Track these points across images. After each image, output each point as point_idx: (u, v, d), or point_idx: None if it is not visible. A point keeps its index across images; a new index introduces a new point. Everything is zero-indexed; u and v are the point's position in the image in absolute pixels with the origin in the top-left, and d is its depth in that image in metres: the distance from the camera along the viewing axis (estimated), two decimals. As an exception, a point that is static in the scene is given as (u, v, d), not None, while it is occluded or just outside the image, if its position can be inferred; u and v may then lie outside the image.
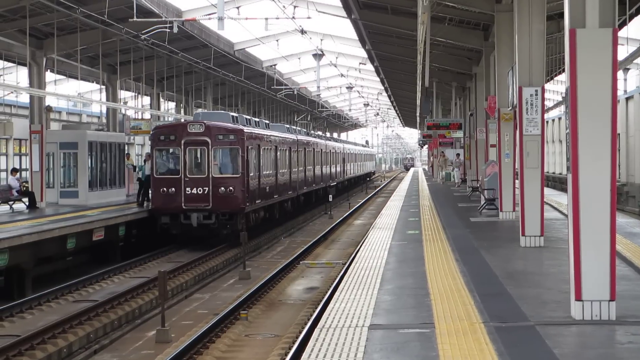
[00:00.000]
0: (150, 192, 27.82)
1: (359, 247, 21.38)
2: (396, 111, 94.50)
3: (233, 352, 14.38)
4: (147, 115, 41.30)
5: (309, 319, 15.82)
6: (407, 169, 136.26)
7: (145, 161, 30.18)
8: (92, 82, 43.14)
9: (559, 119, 57.91)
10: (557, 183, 53.39)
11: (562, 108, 56.10)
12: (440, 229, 19.60)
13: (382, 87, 65.44)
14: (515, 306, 10.20)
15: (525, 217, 15.72)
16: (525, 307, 10.08)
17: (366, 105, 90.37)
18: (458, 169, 44.20)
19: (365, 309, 10.21)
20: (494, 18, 22.33)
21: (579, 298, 9.35)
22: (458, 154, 45.36)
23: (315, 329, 9.31)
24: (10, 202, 27.14)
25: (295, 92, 60.59)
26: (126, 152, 34.28)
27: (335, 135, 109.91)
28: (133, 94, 46.43)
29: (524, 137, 15.39)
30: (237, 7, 32.94)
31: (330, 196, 44.21)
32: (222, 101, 56.29)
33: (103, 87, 38.18)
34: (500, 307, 10.18)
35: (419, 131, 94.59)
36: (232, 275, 23.01)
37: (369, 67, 53.50)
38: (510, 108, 20.15)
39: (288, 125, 42.62)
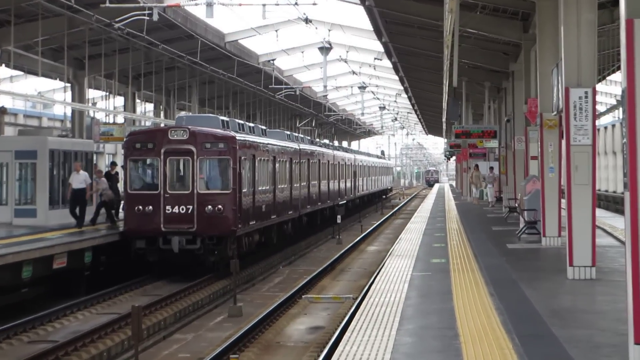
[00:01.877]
0: (78, 210, 27.58)
1: (373, 278, 21.33)
2: (418, 116, 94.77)
3: (221, 404, 14.33)
4: (120, 119, 41.45)
5: (312, 365, 15.78)
6: (431, 185, 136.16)
7: (73, 170, 29.24)
8: (56, 79, 43.30)
9: (613, 126, 57.94)
10: (610, 203, 53.39)
11: (618, 113, 56.17)
12: (471, 257, 19.61)
13: (402, 87, 65.65)
14: (563, 350, 10.20)
15: (574, 244, 15.74)
16: (575, 352, 10.08)
17: (382, 108, 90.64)
18: (492, 185, 44.24)
19: (382, 354, 10.19)
20: (535, 6, 22.38)
21: (639, 342, 9.28)
22: (492, 168, 45.41)
23: (321, 377, 9.28)
24: (-44, 222, 27.17)
25: (298, 93, 60.82)
26: (94, 162, 34.26)
27: (345, 144, 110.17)
28: (104, 93, 46.58)
29: (572, 147, 15.41)
30: (229, -9, 33.04)
31: (339, 217, 44.24)
32: (210, 103, 56.48)
33: (68, 85, 38.36)
34: (544, 351, 10.18)
35: (445, 140, 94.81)
36: (221, 312, 22.99)
37: (386, 63, 53.67)
38: (554, 113, 20.15)
39: (289, 132, 42.71)
